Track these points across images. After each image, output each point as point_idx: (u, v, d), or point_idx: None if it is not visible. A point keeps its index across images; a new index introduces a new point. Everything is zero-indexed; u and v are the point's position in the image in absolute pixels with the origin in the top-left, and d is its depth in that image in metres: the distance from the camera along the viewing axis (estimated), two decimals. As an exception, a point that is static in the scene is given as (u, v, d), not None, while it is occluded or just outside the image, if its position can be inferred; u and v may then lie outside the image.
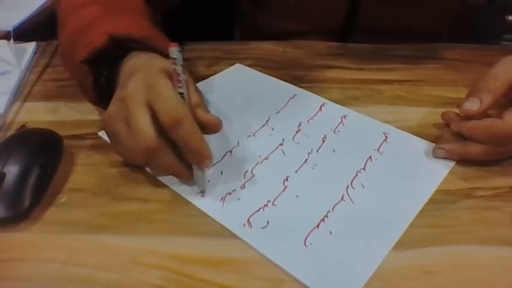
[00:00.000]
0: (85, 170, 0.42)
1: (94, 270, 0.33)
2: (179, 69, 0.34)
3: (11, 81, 0.54)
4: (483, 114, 0.40)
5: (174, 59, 0.34)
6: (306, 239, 0.34)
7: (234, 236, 0.35)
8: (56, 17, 0.50)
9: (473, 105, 0.39)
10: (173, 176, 0.39)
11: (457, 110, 0.43)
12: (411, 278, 0.32)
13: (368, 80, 0.54)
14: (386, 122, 0.47)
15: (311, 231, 0.35)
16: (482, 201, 0.38)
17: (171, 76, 0.36)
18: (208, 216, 0.37)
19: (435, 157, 0.42)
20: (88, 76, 0.43)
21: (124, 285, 0.32)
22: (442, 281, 0.32)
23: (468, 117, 0.41)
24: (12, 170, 0.38)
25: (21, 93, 0.53)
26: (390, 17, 0.58)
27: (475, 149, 0.40)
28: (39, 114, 0.49)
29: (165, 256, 0.34)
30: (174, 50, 0.33)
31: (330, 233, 0.35)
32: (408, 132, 0.45)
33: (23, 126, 0.46)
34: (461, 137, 0.42)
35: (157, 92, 0.35)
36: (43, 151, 0.41)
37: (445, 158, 0.42)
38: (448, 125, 0.45)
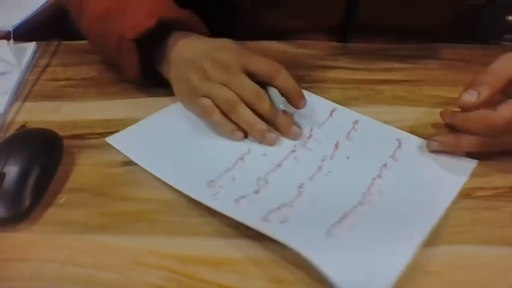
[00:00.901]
0: (85, 170, 0.42)
1: (94, 270, 0.33)
2: None
3: (11, 81, 0.54)
4: (479, 108, 0.40)
5: None
6: (329, 230, 0.33)
7: (234, 236, 0.35)
8: (56, 16, 0.51)
9: (470, 97, 0.39)
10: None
11: (456, 109, 0.43)
12: (411, 278, 0.32)
13: (368, 80, 0.54)
14: (386, 122, 0.47)
15: (333, 226, 0.34)
16: (482, 201, 0.38)
17: None
18: (208, 216, 0.37)
19: (430, 150, 0.42)
20: (135, 54, 0.47)
21: (124, 285, 0.32)
22: (442, 281, 0.32)
23: (465, 109, 0.41)
24: (12, 170, 0.38)
25: (21, 93, 0.53)
26: (389, 15, 0.58)
27: (468, 141, 0.41)
28: (39, 114, 0.49)
29: (165, 256, 0.34)
30: None
31: (353, 227, 0.34)
32: (408, 132, 0.45)
33: (23, 126, 0.46)
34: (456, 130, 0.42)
35: (250, 57, 0.44)
36: (43, 151, 0.41)
37: (439, 151, 0.42)
38: (447, 125, 0.45)
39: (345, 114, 0.48)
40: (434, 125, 0.46)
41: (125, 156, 0.43)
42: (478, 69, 0.41)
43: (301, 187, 0.39)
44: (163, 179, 0.39)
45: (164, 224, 0.36)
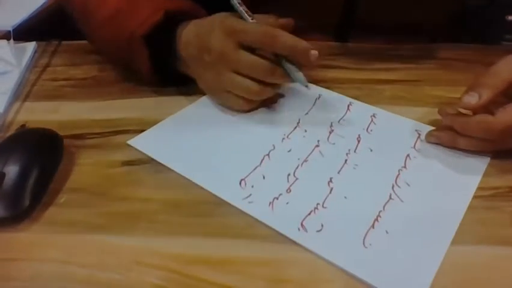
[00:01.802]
0: (85, 170, 0.42)
1: (94, 270, 0.33)
2: (237, 7, 0.44)
3: (11, 81, 0.54)
4: (480, 109, 0.40)
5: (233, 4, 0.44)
6: (364, 239, 0.34)
7: (234, 236, 0.35)
8: (56, 17, 0.51)
9: (471, 99, 0.40)
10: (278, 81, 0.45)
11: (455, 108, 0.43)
12: (411, 278, 0.32)
13: (368, 80, 0.54)
14: (386, 122, 0.47)
15: (368, 232, 0.35)
16: (482, 201, 0.38)
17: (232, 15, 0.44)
18: (208, 216, 0.37)
19: (427, 141, 0.44)
20: (145, 50, 0.47)
21: (124, 285, 0.32)
22: (442, 281, 0.32)
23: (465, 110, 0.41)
24: (12, 170, 0.38)
25: (21, 93, 0.53)
26: (388, 14, 0.58)
27: (463, 141, 0.41)
28: (39, 114, 0.49)
29: (165, 256, 0.34)
30: None
31: (387, 232, 0.35)
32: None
33: (23, 126, 0.46)
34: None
35: (240, 31, 0.42)
36: (43, 151, 0.41)
37: (436, 143, 0.43)
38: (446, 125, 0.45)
39: (362, 108, 0.49)
40: (434, 125, 0.46)
41: (125, 156, 0.43)
42: (478, 69, 0.41)
43: (331, 182, 0.39)
44: (194, 180, 0.40)
45: (164, 224, 0.36)
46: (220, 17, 0.45)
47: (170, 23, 0.47)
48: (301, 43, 0.42)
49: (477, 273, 0.33)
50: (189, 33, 0.47)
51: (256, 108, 0.48)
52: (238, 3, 0.44)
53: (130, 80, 0.54)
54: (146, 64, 0.48)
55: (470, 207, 0.37)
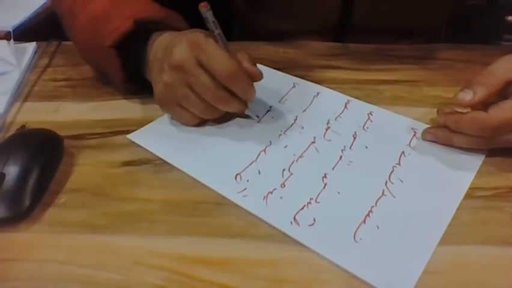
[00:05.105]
0: (85, 170, 0.42)
1: (94, 270, 0.33)
2: (211, 25, 0.41)
3: (11, 81, 0.54)
4: (476, 108, 0.40)
5: (206, 17, 0.41)
6: (355, 234, 0.35)
7: (234, 236, 0.35)
8: (56, 17, 0.51)
9: (465, 96, 0.40)
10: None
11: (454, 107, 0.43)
12: (411, 278, 0.32)
13: (368, 80, 0.54)
14: (386, 122, 0.47)
15: (359, 227, 0.35)
16: (482, 201, 0.38)
17: (208, 34, 0.42)
18: (208, 216, 0.37)
19: (423, 139, 0.44)
20: (117, 59, 0.46)
21: (124, 285, 0.32)
22: (442, 281, 0.32)
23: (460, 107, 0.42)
24: (12, 170, 0.38)
25: (21, 93, 0.53)
26: (384, 17, 0.58)
27: (458, 138, 0.42)
28: (39, 114, 0.49)
29: (165, 256, 0.34)
30: (204, 10, 0.40)
31: (378, 227, 0.35)
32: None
33: (23, 126, 0.46)
34: None
35: (206, 53, 0.40)
36: (43, 151, 0.41)
37: (432, 141, 0.44)
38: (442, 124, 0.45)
39: (360, 106, 0.49)
40: (432, 124, 0.46)
41: (126, 157, 0.43)
42: (478, 69, 0.41)
43: (325, 177, 0.40)
44: (190, 173, 0.40)
45: (164, 224, 0.36)
46: (194, 31, 0.43)
47: (142, 31, 0.46)
48: (252, 96, 0.42)
49: (477, 273, 0.32)
50: (163, 40, 0.45)
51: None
52: (213, 22, 0.42)
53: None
54: (119, 73, 0.47)
55: (470, 207, 0.37)
